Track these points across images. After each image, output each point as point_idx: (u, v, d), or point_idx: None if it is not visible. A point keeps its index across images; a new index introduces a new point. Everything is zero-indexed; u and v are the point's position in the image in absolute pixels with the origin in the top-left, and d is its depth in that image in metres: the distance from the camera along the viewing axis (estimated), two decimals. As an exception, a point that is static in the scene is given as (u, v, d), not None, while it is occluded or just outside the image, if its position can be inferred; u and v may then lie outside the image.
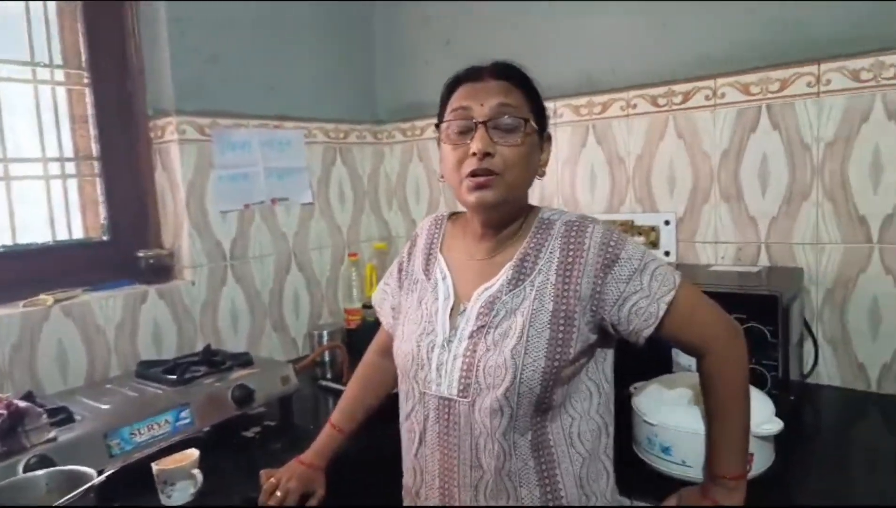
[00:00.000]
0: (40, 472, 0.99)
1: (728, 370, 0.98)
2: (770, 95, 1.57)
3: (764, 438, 1.10)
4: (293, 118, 2.06)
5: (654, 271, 0.96)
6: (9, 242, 1.58)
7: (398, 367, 1.07)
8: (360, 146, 2.31)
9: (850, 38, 1.45)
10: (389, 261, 2.24)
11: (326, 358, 1.92)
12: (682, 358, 1.40)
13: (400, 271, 1.17)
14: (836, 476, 1.16)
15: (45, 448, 1.06)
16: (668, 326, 0.95)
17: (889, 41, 1.41)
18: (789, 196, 1.58)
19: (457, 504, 0.97)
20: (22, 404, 1.09)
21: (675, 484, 1.09)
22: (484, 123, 0.94)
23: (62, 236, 1.69)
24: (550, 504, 0.95)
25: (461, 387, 0.95)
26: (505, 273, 0.99)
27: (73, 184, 1.72)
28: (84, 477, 0.94)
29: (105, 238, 1.77)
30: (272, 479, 1.15)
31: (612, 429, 1.04)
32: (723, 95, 1.64)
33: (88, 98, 1.73)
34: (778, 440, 1.14)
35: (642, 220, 1.81)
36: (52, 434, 1.09)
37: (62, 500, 0.86)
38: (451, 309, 1.01)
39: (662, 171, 1.77)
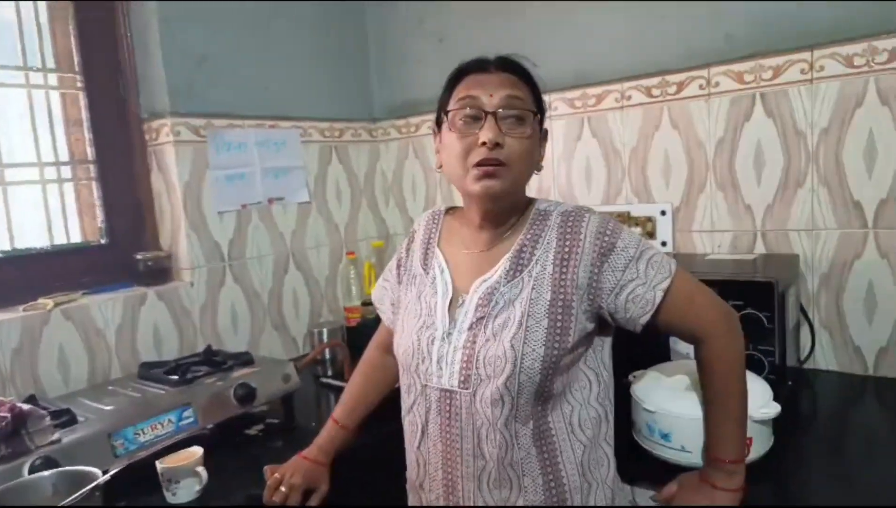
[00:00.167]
0: (46, 473, 0.99)
1: (725, 355, 0.99)
2: (763, 83, 1.58)
3: (762, 422, 1.11)
4: (288, 118, 2.06)
5: (650, 260, 0.97)
6: (7, 247, 1.58)
7: (399, 361, 1.07)
8: (355, 144, 2.31)
9: (842, 24, 1.46)
10: (387, 258, 2.25)
11: (327, 356, 1.92)
12: (680, 346, 1.41)
13: (399, 266, 1.18)
14: (835, 460, 1.17)
15: (50, 450, 1.06)
16: (665, 313, 0.96)
17: (881, 26, 1.42)
18: (784, 183, 1.59)
19: (460, 494, 0.98)
20: (25, 406, 1.09)
21: (674, 470, 1.10)
22: (493, 113, 0.95)
23: (60, 240, 1.69)
24: (553, 491, 0.96)
25: (462, 378, 0.96)
26: (502, 265, 1.00)
27: (69, 188, 1.72)
28: (89, 477, 0.95)
29: (103, 242, 1.77)
30: (276, 475, 1.16)
31: (612, 417, 1.05)
32: (716, 85, 1.65)
33: (82, 101, 1.72)
34: (776, 424, 1.15)
35: (639, 211, 1.82)
36: (55, 436, 1.09)
37: (68, 500, 0.87)
38: (450, 302, 1.02)
39: (658, 161, 1.77)
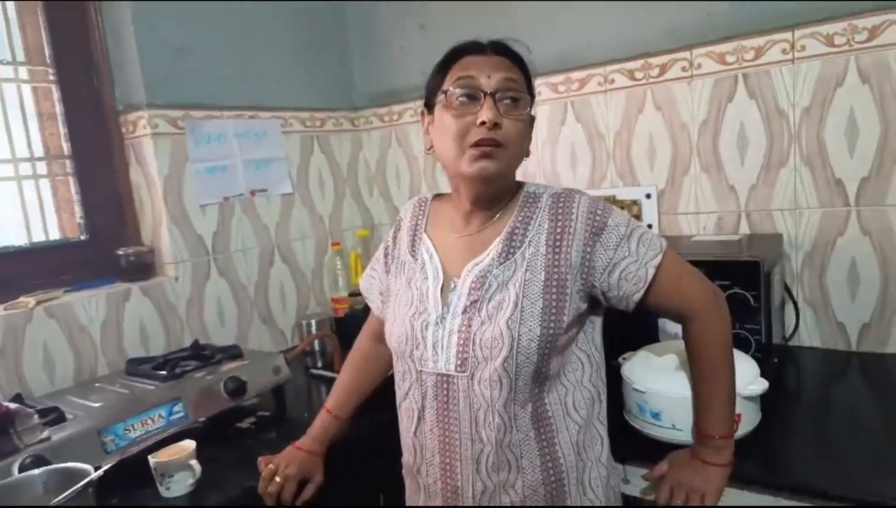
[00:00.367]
0: (36, 471, 0.98)
1: (713, 332, 1.01)
2: (746, 64, 1.59)
3: (750, 398, 1.13)
4: (268, 108, 2.03)
5: (641, 237, 0.98)
6: (-16, 245, 1.55)
7: (392, 349, 1.07)
8: (337, 134, 2.29)
9: (822, 2, 1.47)
10: (373, 248, 2.24)
11: (317, 347, 1.91)
12: (669, 326, 1.42)
13: (386, 255, 1.18)
14: (820, 434, 1.20)
15: (39, 448, 1.05)
16: (656, 290, 0.98)
17: (861, 5, 1.43)
18: (767, 163, 1.60)
19: (458, 478, 0.98)
20: (12, 405, 1.07)
21: (665, 448, 1.12)
22: (492, 94, 0.95)
23: (39, 237, 1.66)
24: (551, 472, 0.97)
25: (459, 362, 0.96)
26: (495, 247, 1.00)
27: (45, 184, 1.68)
28: (81, 474, 0.94)
29: (83, 238, 1.73)
30: (270, 466, 1.16)
31: (604, 396, 1.06)
32: (699, 66, 1.65)
33: (56, 95, 1.68)
34: (764, 400, 1.17)
35: (624, 194, 1.83)
36: (44, 434, 1.08)
37: (61, 497, 0.86)
38: (442, 287, 1.02)
39: (642, 144, 1.78)
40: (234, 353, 1.51)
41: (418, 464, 1.04)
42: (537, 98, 1.87)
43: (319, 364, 1.85)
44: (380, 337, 1.22)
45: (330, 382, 1.56)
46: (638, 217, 1.80)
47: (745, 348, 1.33)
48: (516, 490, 0.97)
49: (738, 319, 1.32)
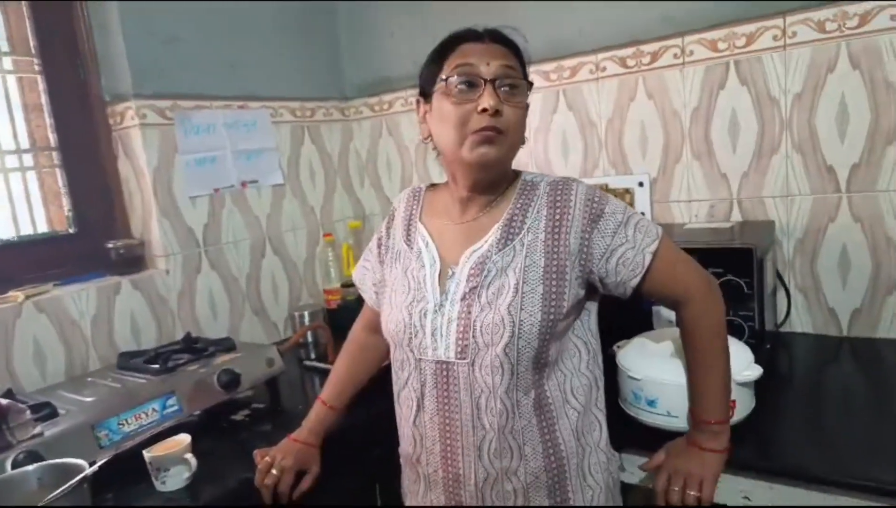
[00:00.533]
0: (30, 467, 0.97)
1: (708, 317, 1.02)
2: (737, 51, 1.59)
3: (745, 385, 1.14)
4: (257, 98, 2.01)
5: (638, 224, 0.99)
6: (-30, 239, 1.53)
7: (390, 338, 1.06)
8: (327, 124, 2.27)
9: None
10: (365, 239, 2.23)
11: (310, 339, 1.91)
12: (664, 313, 1.43)
13: (379, 246, 1.17)
14: (814, 419, 1.21)
15: (32, 444, 1.04)
16: (653, 276, 0.98)
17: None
18: (759, 151, 1.60)
19: (460, 465, 0.98)
20: (3, 401, 1.06)
21: (661, 436, 1.12)
22: (492, 81, 0.94)
23: (26, 230, 1.63)
24: (552, 458, 0.97)
25: (459, 349, 0.96)
26: (493, 234, 1.00)
27: (32, 176, 1.66)
28: (76, 469, 0.93)
29: (71, 231, 1.71)
30: (266, 458, 1.15)
31: (601, 383, 1.07)
32: (691, 53, 1.65)
33: (41, 85, 1.65)
34: (757, 386, 1.18)
35: (616, 183, 1.83)
36: (37, 430, 1.07)
37: (55, 493, 0.85)
38: (439, 274, 1.02)
39: (634, 132, 1.78)
40: (227, 346, 1.51)
41: (418, 453, 1.04)
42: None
43: (313, 356, 1.85)
44: (374, 328, 1.22)
45: (324, 373, 1.55)
46: (631, 205, 1.80)
47: (738, 334, 1.34)
48: (519, 477, 0.97)
49: (732, 306, 1.33)
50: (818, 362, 1.50)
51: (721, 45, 1.60)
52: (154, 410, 1.23)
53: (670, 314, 1.21)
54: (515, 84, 0.97)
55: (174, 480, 1.11)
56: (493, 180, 1.02)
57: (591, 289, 1.02)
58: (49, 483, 0.92)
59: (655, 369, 1.16)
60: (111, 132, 1.75)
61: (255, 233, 2.01)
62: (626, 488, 1.17)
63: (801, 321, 1.62)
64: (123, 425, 1.17)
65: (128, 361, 1.46)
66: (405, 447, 1.08)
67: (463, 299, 0.98)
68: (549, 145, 1.93)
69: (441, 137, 1.00)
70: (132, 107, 1.68)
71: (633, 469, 1.19)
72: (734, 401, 1.09)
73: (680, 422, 1.12)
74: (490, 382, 0.95)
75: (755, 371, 1.13)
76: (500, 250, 0.99)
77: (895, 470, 0.98)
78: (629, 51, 1.74)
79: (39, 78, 1.65)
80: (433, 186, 1.16)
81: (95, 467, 0.93)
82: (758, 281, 1.35)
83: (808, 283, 1.60)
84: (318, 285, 2.19)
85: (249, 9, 1.98)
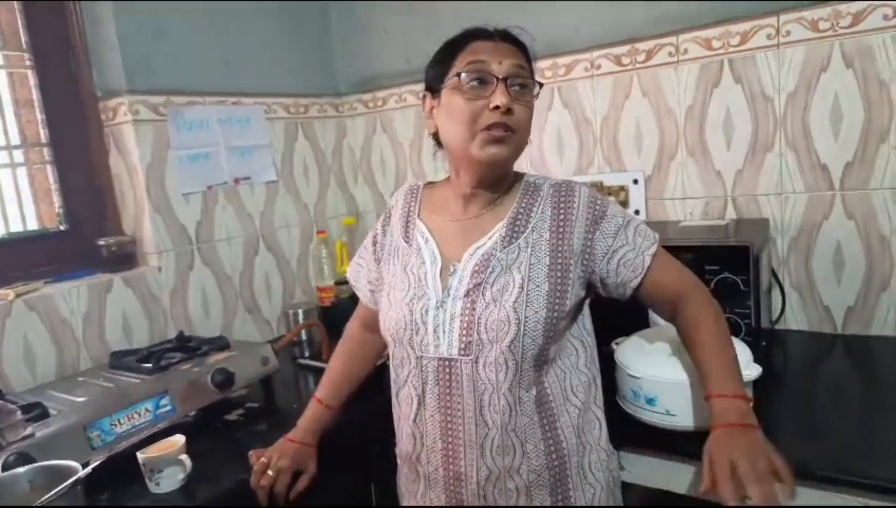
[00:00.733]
0: (21, 469, 0.95)
1: (712, 307, 1.03)
2: (731, 49, 1.59)
3: (744, 383, 1.13)
4: (251, 94, 1.99)
5: (637, 228, 1.02)
6: (-40, 236, 1.51)
7: (389, 335, 1.06)
8: (321, 120, 2.26)
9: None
10: (359, 236, 2.22)
11: (304, 337, 1.90)
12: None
13: (374, 244, 1.17)
14: (809, 415, 1.21)
15: (23, 445, 1.02)
16: (651, 278, 1.00)
17: (844, -10, 1.43)
18: (753, 148, 1.61)
19: (462, 463, 0.98)
20: (-7, 402, 1.04)
21: (660, 434, 1.13)
22: (504, 79, 0.95)
23: (16, 227, 1.61)
24: (553, 455, 0.97)
25: (462, 346, 0.96)
26: (498, 231, 1.01)
27: (23, 172, 1.63)
28: (69, 471, 0.91)
29: (62, 228, 1.69)
30: (262, 459, 1.14)
31: (599, 381, 1.07)
32: (685, 51, 1.65)
33: (32, 81, 1.63)
34: (754, 383, 1.18)
35: (611, 180, 1.83)
36: (28, 431, 1.05)
37: (48, 495, 0.84)
38: (440, 271, 1.02)
39: (629, 130, 1.78)
40: (220, 344, 1.49)
41: (418, 452, 1.03)
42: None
43: (307, 354, 1.84)
44: (369, 326, 1.21)
45: (318, 371, 1.55)
46: (625, 203, 1.80)
47: (735, 331, 1.33)
48: (521, 475, 0.97)
49: (728, 303, 1.33)
50: (813, 359, 1.50)
51: (715, 44, 1.61)
52: (147, 410, 1.22)
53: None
54: (525, 84, 0.98)
55: (168, 481, 1.10)
56: (497, 178, 1.03)
57: (589, 290, 1.04)
58: (41, 486, 0.91)
59: (654, 367, 1.16)
60: (103, 128, 1.73)
61: (249, 230, 1.99)
62: (625, 487, 1.17)
63: (795, 319, 1.63)
64: (116, 425, 1.16)
65: (120, 360, 1.45)
66: (404, 445, 1.07)
67: (466, 295, 0.98)
68: (544, 143, 1.92)
69: (449, 133, 0.99)
70: (125, 103, 1.66)
71: (633, 467, 1.19)
72: (732, 399, 1.09)
73: (679, 420, 1.11)
74: (494, 378, 0.95)
75: (755, 371, 1.13)
76: (504, 248, 0.99)
77: (890, 467, 0.98)
78: (624, 49, 1.74)
79: (30, 73, 1.63)
80: (430, 183, 1.16)
81: (89, 469, 0.92)
82: (754, 279, 1.35)
83: (802, 280, 1.60)
84: (312, 283, 2.18)
85: (243, 5, 1.96)
